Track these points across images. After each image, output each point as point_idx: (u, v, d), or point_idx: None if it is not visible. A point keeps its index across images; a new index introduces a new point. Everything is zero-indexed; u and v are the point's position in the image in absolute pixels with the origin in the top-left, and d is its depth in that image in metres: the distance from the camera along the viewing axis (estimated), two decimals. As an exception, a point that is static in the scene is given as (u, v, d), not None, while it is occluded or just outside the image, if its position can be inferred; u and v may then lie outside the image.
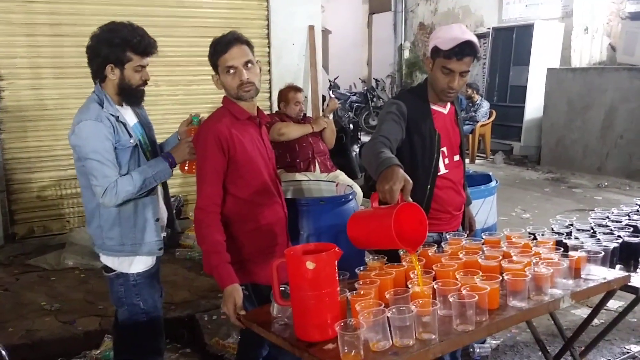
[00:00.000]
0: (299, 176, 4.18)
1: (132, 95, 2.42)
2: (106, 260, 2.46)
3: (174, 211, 5.10)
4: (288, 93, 4.43)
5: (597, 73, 8.87)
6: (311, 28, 6.17)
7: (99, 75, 2.39)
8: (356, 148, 6.94)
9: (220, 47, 2.19)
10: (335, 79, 15.04)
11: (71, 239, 5.01)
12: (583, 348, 2.89)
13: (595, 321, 3.66)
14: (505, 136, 10.52)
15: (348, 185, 3.35)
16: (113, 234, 2.39)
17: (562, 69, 9.49)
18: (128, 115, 2.49)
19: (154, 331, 2.56)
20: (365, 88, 14.81)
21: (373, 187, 3.29)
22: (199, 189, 2.19)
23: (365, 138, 9.81)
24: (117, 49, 2.32)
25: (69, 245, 4.88)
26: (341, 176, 4.58)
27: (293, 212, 2.85)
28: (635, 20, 9.07)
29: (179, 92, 5.71)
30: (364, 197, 4.81)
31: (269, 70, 6.05)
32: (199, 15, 5.68)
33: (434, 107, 2.48)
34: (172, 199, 5.25)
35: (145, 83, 2.45)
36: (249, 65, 2.21)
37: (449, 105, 2.56)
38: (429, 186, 2.46)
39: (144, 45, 2.35)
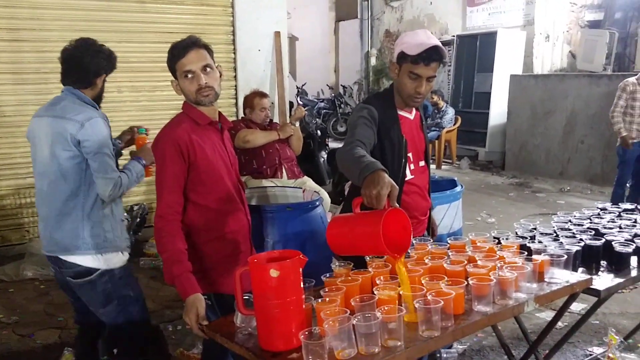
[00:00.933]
0: (265, 183, 4.14)
1: (100, 101, 2.64)
2: (85, 260, 2.45)
3: (138, 219, 5.05)
4: (253, 99, 4.39)
5: (558, 80, 9.08)
6: (277, 34, 6.15)
7: (84, 82, 2.53)
8: (324, 154, 6.94)
9: (177, 52, 2.15)
10: (302, 85, 15.05)
11: (31, 249, 4.87)
12: (547, 351, 2.92)
13: (559, 324, 3.72)
14: (471, 142, 10.67)
15: (315, 191, 3.32)
16: (98, 231, 2.47)
17: (525, 76, 9.68)
18: None
19: (145, 312, 2.72)
20: (333, 95, 14.87)
21: (342, 193, 3.28)
22: (159, 196, 2.13)
23: (333, 144, 9.83)
24: (111, 63, 2.59)
25: (28, 256, 4.74)
26: (308, 182, 4.56)
27: (258, 219, 2.82)
28: (593, 29, 9.33)
29: (143, 99, 5.62)
30: (332, 203, 4.80)
31: (235, 76, 6.00)
32: (163, 21, 5.61)
33: (400, 112, 2.48)
34: (137, 207, 5.21)
35: None
36: (208, 69, 2.16)
37: (414, 111, 2.56)
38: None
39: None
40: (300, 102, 14.08)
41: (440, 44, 2.31)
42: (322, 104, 14.29)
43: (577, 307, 3.78)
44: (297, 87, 15.01)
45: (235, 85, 6.00)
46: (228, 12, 5.93)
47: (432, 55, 2.29)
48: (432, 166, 10.06)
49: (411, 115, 2.54)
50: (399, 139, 2.42)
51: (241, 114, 5.15)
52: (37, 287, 4.35)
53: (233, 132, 4.16)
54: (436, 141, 10.18)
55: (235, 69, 6.01)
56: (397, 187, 1.82)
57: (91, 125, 2.42)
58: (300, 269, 1.69)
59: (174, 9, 5.67)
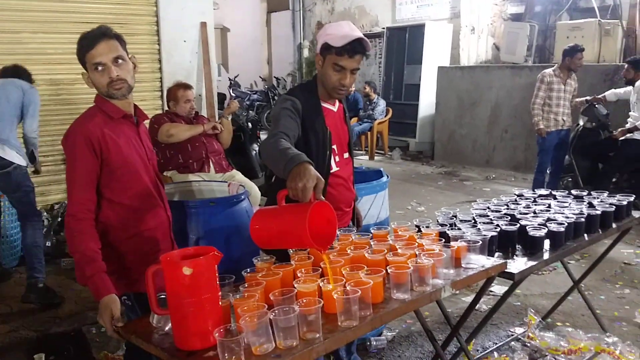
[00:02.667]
0: (192, 177, 4.05)
1: None
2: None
3: (59, 219, 4.83)
4: (177, 91, 4.28)
5: (483, 71, 9.38)
6: (203, 25, 6.02)
7: None
8: (256, 147, 6.86)
9: (86, 43, 2.05)
10: (235, 77, 14.87)
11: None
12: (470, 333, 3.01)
13: (484, 307, 3.86)
14: (402, 133, 10.87)
15: (241, 184, 3.27)
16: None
17: (452, 67, 9.94)
18: None
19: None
20: (266, 86, 14.77)
21: (274, 186, 3.25)
22: (69, 194, 2.03)
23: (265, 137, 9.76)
24: None
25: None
26: (237, 176, 4.50)
27: (181, 215, 2.75)
28: (515, 22, 9.67)
29: (62, 92, 5.37)
30: (263, 195, 4.76)
31: (160, 68, 5.84)
32: (82, 11, 5.37)
33: (324, 104, 2.47)
34: (57, 205, 4.99)
35: None
36: (119, 61, 2.07)
37: (337, 103, 2.57)
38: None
39: None
40: (233, 95, 13.93)
41: (364, 37, 2.32)
42: (255, 96, 14.18)
43: (501, 290, 3.92)
44: (230, 79, 14.81)
45: (161, 78, 5.83)
46: (151, 2, 5.75)
47: (356, 47, 2.29)
48: (365, 157, 10.24)
49: (334, 107, 2.54)
50: (323, 131, 2.42)
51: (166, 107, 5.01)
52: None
53: (156, 127, 4.04)
54: (368, 133, 10.31)
55: (160, 61, 5.85)
56: (323, 179, 1.82)
57: None
58: (216, 266, 1.66)
59: (94, -3, 5.45)
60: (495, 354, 3.27)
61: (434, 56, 10.14)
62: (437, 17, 10.59)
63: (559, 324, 3.69)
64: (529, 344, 3.38)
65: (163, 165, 4.16)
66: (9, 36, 5.03)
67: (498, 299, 2.72)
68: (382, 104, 10.44)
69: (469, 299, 4.00)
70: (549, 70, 6.20)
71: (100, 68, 2.06)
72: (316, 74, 2.48)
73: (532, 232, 2.53)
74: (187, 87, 4.33)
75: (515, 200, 3.12)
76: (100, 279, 1.95)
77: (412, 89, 10.62)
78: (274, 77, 15.47)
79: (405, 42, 10.84)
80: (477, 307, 3.85)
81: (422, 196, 7.39)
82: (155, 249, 2.20)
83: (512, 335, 3.56)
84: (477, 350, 3.38)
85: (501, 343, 3.45)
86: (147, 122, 2.40)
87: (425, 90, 10.22)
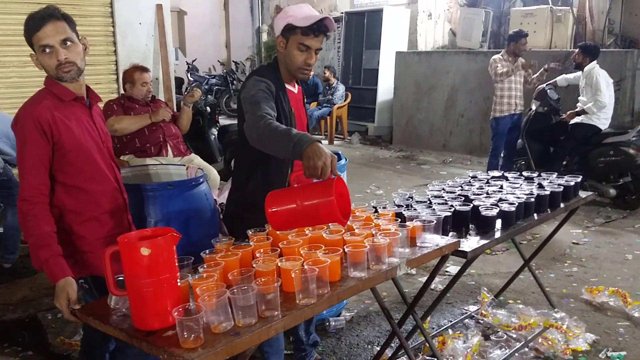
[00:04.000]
0: (149, 161, 4.00)
1: None
2: None
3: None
4: (134, 74, 4.20)
5: (440, 56, 9.51)
6: (159, 7, 5.90)
7: None
8: (214, 131, 6.80)
9: (32, 24, 2.00)
10: (193, 61, 14.65)
11: None
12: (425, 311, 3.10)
13: (440, 287, 3.97)
14: (361, 117, 10.95)
15: (199, 168, 3.25)
16: None
17: (409, 53, 10.05)
18: None
19: None
20: (225, 71, 14.60)
21: (232, 170, 3.19)
22: (21, 178, 1.99)
23: (225, 121, 9.67)
24: None
25: None
26: (196, 160, 4.47)
27: (139, 199, 2.72)
28: (471, 7, 9.82)
29: (12, 75, 5.18)
30: (222, 180, 4.74)
31: (115, 51, 5.69)
32: (31, -10, 5.18)
33: (287, 86, 2.49)
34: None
35: None
36: (68, 43, 2.02)
37: (297, 85, 2.58)
38: (289, 167, 2.49)
39: None
40: (191, 79, 13.73)
41: (329, 17, 2.35)
42: (213, 80, 14.00)
43: (456, 270, 4.02)
44: (187, 63, 14.58)
45: (116, 61, 5.69)
46: (105, -17, 5.59)
47: (321, 27, 2.32)
48: (325, 142, 10.27)
49: (295, 89, 2.56)
50: (289, 113, 2.43)
51: (122, 91, 4.91)
52: None
53: (108, 114, 3.97)
54: (328, 117, 10.35)
55: (115, 43, 5.69)
56: (335, 156, 1.87)
57: None
58: (174, 247, 1.66)
59: (44, -23, 5.26)
60: (450, 331, 3.38)
61: (392, 41, 10.21)
62: (394, 2, 10.66)
63: (510, 301, 3.83)
64: (482, 321, 3.50)
65: (120, 150, 4.09)
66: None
67: (449, 277, 2.81)
68: (341, 88, 10.48)
69: (425, 279, 4.11)
70: (497, 56, 6.36)
71: (47, 50, 2.01)
72: (276, 57, 2.49)
73: (484, 212, 2.62)
74: (143, 69, 4.25)
75: (469, 182, 3.21)
76: (55, 262, 1.93)
77: (371, 73, 10.69)
78: (233, 61, 15.31)
79: (363, 27, 10.88)
80: (433, 286, 3.99)
81: (381, 180, 7.49)
82: (111, 232, 2.18)
83: (466, 313, 3.68)
84: (433, 328, 3.48)
85: (456, 321, 3.57)
86: (101, 104, 2.36)
87: (384, 75, 10.31)
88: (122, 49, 5.71)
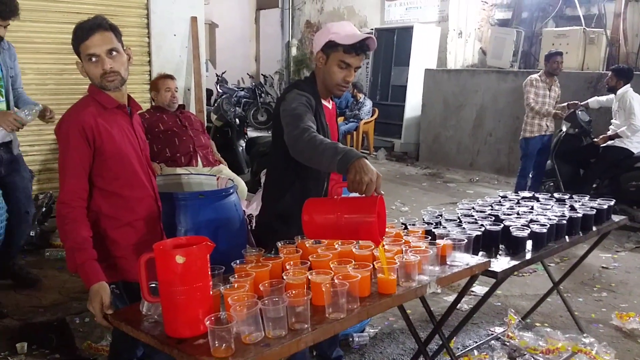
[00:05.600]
0: (179, 171, 4.05)
1: None
2: None
3: (44, 209, 4.80)
4: (158, 81, 4.36)
5: (470, 75, 9.48)
6: (193, 19, 6.02)
7: None
8: (242, 143, 6.87)
9: (81, 33, 2.06)
10: (222, 73, 14.81)
11: None
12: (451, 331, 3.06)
13: (465, 307, 3.92)
14: (387, 133, 10.94)
15: (230, 179, 3.29)
16: None
17: (439, 70, 10.03)
18: None
19: None
20: (254, 84, 14.74)
21: (260, 181, 3.22)
22: (62, 182, 2.04)
23: (252, 133, 9.76)
24: None
25: None
26: (225, 170, 4.52)
27: (171, 207, 2.76)
28: (502, 27, 9.80)
29: (49, 82, 5.32)
30: (249, 191, 4.78)
31: (149, 61, 5.82)
32: (71, 1, 5.33)
33: (322, 101, 2.51)
34: (42, 195, 4.96)
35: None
36: (113, 53, 2.09)
37: (331, 101, 2.61)
38: (326, 180, 2.51)
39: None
40: (220, 90, 13.89)
41: (372, 36, 2.37)
42: (242, 93, 14.14)
43: (482, 290, 3.98)
44: (217, 75, 14.76)
45: (150, 71, 5.81)
46: (142, -6, 5.73)
47: (364, 46, 2.35)
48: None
49: (329, 104, 2.59)
50: (324, 129, 2.45)
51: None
52: None
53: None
54: (354, 132, 10.37)
55: (149, 54, 5.82)
56: (381, 175, 1.89)
57: None
58: (208, 256, 1.68)
59: (83, -13, 5.41)
60: (476, 352, 3.33)
61: (421, 58, 10.22)
62: (425, 19, 10.67)
63: (537, 324, 3.77)
64: (508, 343, 3.45)
65: (150, 158, 4.16)
66: (-5, 24, 4.97)
67: (480, 298, 2.78)
68: (368, 104, 10.50)
69: (451, 298, 4.06)
70: (535, 76, 6.31)
71: (94, 59, 2.07)
72: (313, 72, 2.51)
73: (515, 233, 2.59)
74: (167, 76, 4.38)
75: (499, 202, 3.18)
76: (90, 267, 1.96)
77: (399, 90, 10.69)
78: (262, 74, 15.45)
79: (393, 44, 10.91)
80: (458, 306, 3.94)
81: (406, 196, 7.45)
82: (145, 238, 2.22)
83: (492, 334, 3.63)
84: (458, 349, 3.44)
85: (481, 342, 3.51)
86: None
87: (412, 92, 10.30)
88: (156, 59, 5.83)
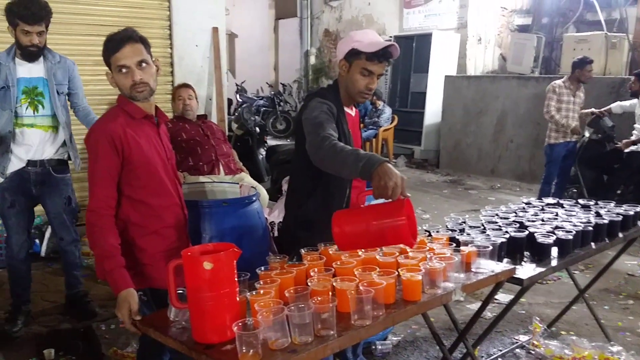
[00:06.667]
0: (202, 179, 4.10)
1: (23, 51, 3.35)
2: None
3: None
4: (174, 91, 4.46)
5: (490, 81, 9.43)
6: (215, 30, 6.08)
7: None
8: (262, 151, 6.91)
9: (112, 45, 2.11)
10: (242, 82, 14.94)
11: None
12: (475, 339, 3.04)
13: (489, 315, 3.89)
14: (407, 140, 10.92)
15: (252, 186, 3.32)
16: None
17: (458, 77, 10.00)
18: (26, 68, 3.41)
19: None
20: (273, 92, 14.83)
21: (280, 189, 3.27)
22: (91, 191, 2.09)
23: (272, 142, 9.81)
24: (9, 16, 3.24)
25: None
26: (246, 178, 4.55)
27: (195, 215, 2.79)
28: (522, 32, 9.74)
29: (76, 92, 5.41)
30: (270, 199, 4.80)
31: (172, 72, 5.89)
32: (95, 13, 5.42)
33: (345, 109, 2.53)
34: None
35: (34, 46, 3.32)
36: (143, 64, 2.13)
37: (354, 108, 2.63)
38: (348, 187, 2.52)
39: (26, 15, 3.21)
40: (240, 100, 14.00)
41: (395, 44, 2.38)
42: (261, 102, 14.24)
43: (506, 298, 3.95)
44: (237, 85, 14.89)
45: (172, 81, 5.87)
46: (164, 6, 5.79)
47: (387, 53, 2.36)
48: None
49: (352, 112, 2.60)
50: (346, 136, 2.46)
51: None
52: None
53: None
54: (374, 139, 10.36)
55: (172, 65, 5.89)
56: (405, 178, 1.90)
57: None
58: (235, 262, 1.70)
59: (107, 0, 5.50)
60: (500, 360, 3.30)
61: (441, 65, 10.19)
62: (444, 26, 10.65)
63: (563, 332, 3.72)
64: (533, 352, 3.41)
65: (174, 167, 4.23)
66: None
67: (504, 306, 2.75)
68: (387, 111, 10.49)
69: (474, 306, 4.04)
70: (558, 82, 6.25)
71: (124, 70, 2.12)
72: (336, 80, 2.53)
73: (540, 239, 2.57)
74: (181, 86, 4.52)
75: (523, 208, 3.16)
76: (119, 274, 1.99)
77: (418, 97, 10.67)
78: (281, 83, 15.54)
79: (412, 51, 10.91)
80: (482, 314, 3.91)
81: (427, 204, 7.42)
82: (172, 246, 2.25)
83: (517, 342, 3.59)
84: (482, 357, 3.41)
85: (506, 350, 3.48)
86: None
87: (431, 99, 10.28)
88: (178, 69, 5.90)
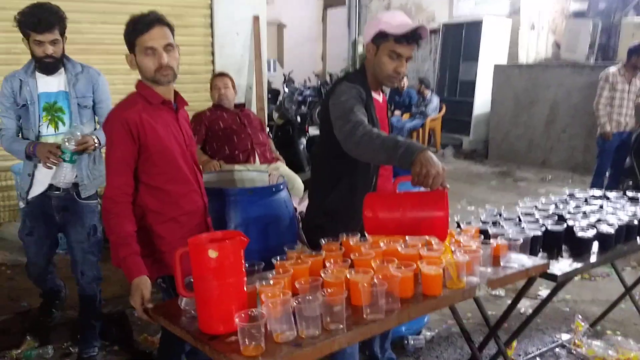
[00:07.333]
0: (238, 167, 4.08)
1: (40, 64, 2.92)
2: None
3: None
4: (213, 80, 4.46)
5: (542, 69, 9.07)
6: (256, 19, 6.06)
7: None
8: (303, 141, 6.87)
9: (140, 26, 2.08)
10: (289, 73, 14.95)
11: (1, 234, 4.80)
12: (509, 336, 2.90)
13: (530, 311, 3.72)
14: (455, 130, 10.65)
15: (281, 175, 3.27)
16: None
17: (509, 66, 9.67)
18: (45, 82, 2.98)
19: None
20: (319, 82, 14.78)
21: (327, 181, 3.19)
22: (108, 178, 2.08)
23: (315, 132, 9.76)
24: (20, 27, 2.84)
25: (-2, 241, 4.68)
26: (282, 167, 4.50)
27: (221, 203, 2.77)
28: (578, 19, 9.31)
29: (118, 82, 5.47)
30: (307, 189, 4.76)
31: (212, 61, 5.91)
32: (139, 2, 5.46)
33: (373, 94, 2.43)
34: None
35: (49, 56, 2.88)
36: (169, 48, 2.11)
37: (382, 94, 2.53)
38: (375, 175, 2.44)
39: (35, 23, 2.79)
40: (287, 90, 14.03)
41: (423, 25, 2.28)
42: (308, 92, 14.21)
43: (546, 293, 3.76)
44: (284, 75, 14.91)
45: (213, 70, 5.90)
46: (206, -6, 5.83)
47: (415, 35, 2.26)
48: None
49: (380, 97, 2.50)
50: (374, 123, 2.37)
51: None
52: (3, 272, 4.29)
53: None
54: (420, 129, 10.15)
55: (212, 53, 5.92)
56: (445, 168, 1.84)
57: None
58: (242, 251, 1.65)
59: (151, -10, 5.56)
60: (538, 359, 3.14)
61: (491, 53, 9.89)
62: (495, 13, 10.30)
63: (608, 332, 3.52)
64: (574, 352, 3.24)
65: (210, 157, 4.23)
66: (69, 26, 5.19)
67: (549, 303, 2.60)
68: (435, 100, 10.24)
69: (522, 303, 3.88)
70: (613, 69, 5.91)
71: (151, 52, 2.09)
72: (363, 64, 2.44)
73: (579, 234, 2.41)
74: (217, 75, 4.52)
75: (565, 200, 2.99)
76: (132, 261, 1.98)
77: (467, 86, 10.39)
78: (328, 73, 15.47)
79: (461, 39, 10.62)
80: (523, 310, 3.75)
81: (473, 196, 7.20)
82: (190, 233, 2.19)
83: (558, 341, 3.42)
84: (519, 355, 3.26)
85: (545, 349, 3.32)
86: (188, 109, 2.42)
87: (481, 88, 9.99)
88: (219, 58, 5.92)
